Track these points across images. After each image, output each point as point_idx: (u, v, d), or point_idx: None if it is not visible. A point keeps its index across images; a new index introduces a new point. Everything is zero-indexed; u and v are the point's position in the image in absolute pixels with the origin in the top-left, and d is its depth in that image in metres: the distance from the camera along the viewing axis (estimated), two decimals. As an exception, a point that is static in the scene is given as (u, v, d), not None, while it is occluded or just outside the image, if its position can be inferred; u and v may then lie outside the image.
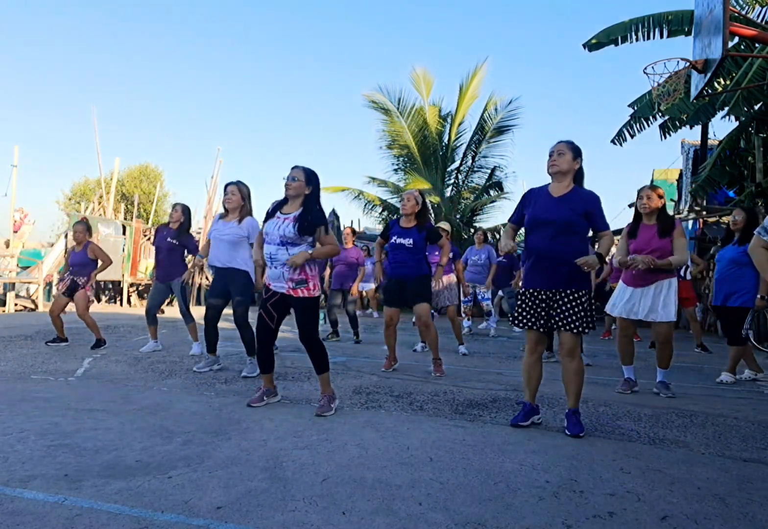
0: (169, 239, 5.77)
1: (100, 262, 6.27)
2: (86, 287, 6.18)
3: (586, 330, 3.20)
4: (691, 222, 12.42)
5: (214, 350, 4.96)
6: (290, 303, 3.54)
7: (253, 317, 4.77)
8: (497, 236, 13.84)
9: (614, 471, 2.62)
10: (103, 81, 50.28)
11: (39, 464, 2.47)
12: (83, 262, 6.21)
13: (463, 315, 8.90)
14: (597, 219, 3.24)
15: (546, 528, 2.02)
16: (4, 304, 11.29)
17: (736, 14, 6.43)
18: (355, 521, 2.02)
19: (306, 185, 3.50)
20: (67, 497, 2.14)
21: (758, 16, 7.95)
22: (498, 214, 26.64)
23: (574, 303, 3.18)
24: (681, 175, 14.49)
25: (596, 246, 3.68)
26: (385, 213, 15.90)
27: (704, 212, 11.12)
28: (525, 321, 3.29)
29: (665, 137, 10.23)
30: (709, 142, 11.50)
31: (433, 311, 7.10)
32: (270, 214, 3.59)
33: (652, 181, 16.18)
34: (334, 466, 2.56)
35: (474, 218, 15.56)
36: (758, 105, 8.62)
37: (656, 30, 8.92)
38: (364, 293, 12.13)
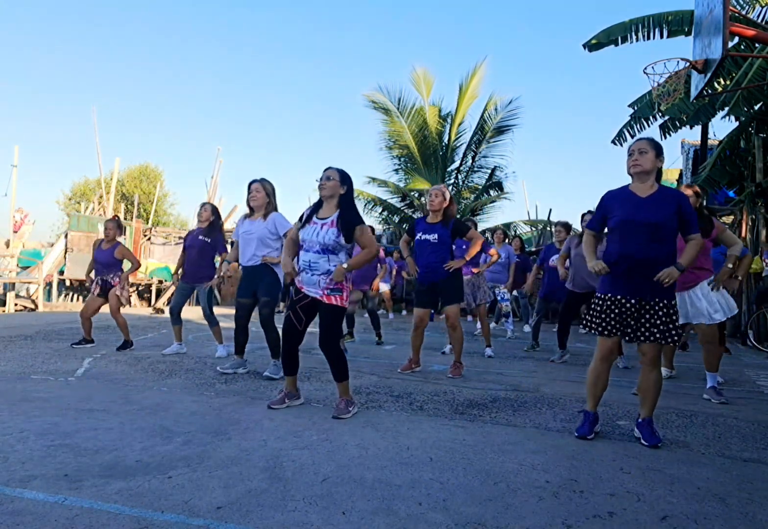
0: (201, 237, 5.64)
1: (126, 264, 6.19)
2: (120, 287, 6.10)
3: (676, 341, 3.05)
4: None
5: (242, 352, 4.86)
6: (318, 308, 3.48)
7: (254, 317, 4.78)
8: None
9: (614, 471, 2.62)
10: (103, 81, 50.33)
11: (39, 464, 2.47)
12: (109, 262, 6.11)
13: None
14: (690, 220, 3.05)
15: (546, 528, 2.02)
16: (4, 304, 11.30)
17: (736, 14, 6.43)
18: (355, 521, 2.02)
19: (341, 185, 3.45)
20: (67, 497, 2.14)
21: (758, 16, 7.95)
22: (498, 215, 26.61)
23: (663, 313, 3.02)
24: (681, 175, 14.49)
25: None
26: (385, 213, 15.90)
27: (705, 212, 11.10)
28: (607, 328, 3.09)
29: (665, 137, 10.25)
30: (709, 142, 11.50)
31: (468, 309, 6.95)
32: (306, 220, 3.50)
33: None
34: (334, 466, 2.56)
35: (474, 218, 15.56)
36: (758, 105, 8.62)
37: (656, 30, 8.92)
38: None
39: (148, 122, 54.44)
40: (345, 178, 3.47)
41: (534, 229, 15.46)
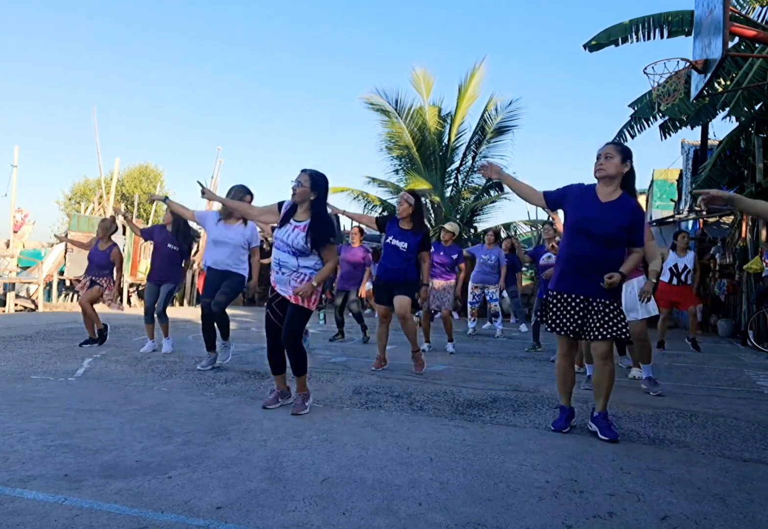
0: (169, 245, 5.83)
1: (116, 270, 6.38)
2: (109, 291, 6.27)
3: (625, 335, 3.13)
4: (691, 222, 12.43)
5: (213, 348, 5.01)
6: (287, 306, 3.55)
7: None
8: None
9: (614, 471, 2.62)
10: (103, 81, 50.34)
11: (39, 464, 2.47)
12: (102, 264, 6.28)
13: (470, 316, 8.92)
14: (637, 234, 3.13)
15: (546, 528, 2.02)
16: (4, 304, 11.29)
17: (736, 14, 6.43)
18: (355, 521, 2.02)
19: (311, 191, 3.47)
20: (67, 497, 2.14)
21: (758, 16, 7.94)
22: (498, 215, 26.62)
23: (608, 310, 3.10)
24: (681, 175, 14.49)
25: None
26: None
27: (704, 212, 11.12)
28: (556, 325, 3.20)
29: (665, 137, 10.23)
30: (709, 142, 11.50)
31: (434, 311, 7.09)
32: (283, 220, 3.58)
33: (652, 181, 16.20)
34: (334, 466, 2.56)
35: (474, 218, 15.55)
36: (758, 105, 8.61)
37: (656, 30, 8.92)
38: (363, 293, 11.94)
39: (148, 122, 54.49)
40: (316, 184, 3.48)
41: (534, 229, 15.46)
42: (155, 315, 5.89)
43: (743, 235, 9.63)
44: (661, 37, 8.93)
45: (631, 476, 2.56)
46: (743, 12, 7.80)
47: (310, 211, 3.51)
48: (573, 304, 3.16)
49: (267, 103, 57.98)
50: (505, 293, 9.48)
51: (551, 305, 3.24)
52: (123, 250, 13.81)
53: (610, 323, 3.10)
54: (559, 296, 3.21)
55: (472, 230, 15.35)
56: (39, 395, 3.75)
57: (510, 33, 61.51)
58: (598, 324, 3.12)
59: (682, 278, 7.27)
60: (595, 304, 3.13)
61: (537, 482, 2.45)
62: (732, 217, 10.34)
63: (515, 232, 15.28)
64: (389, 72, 55.75)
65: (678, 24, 8.75)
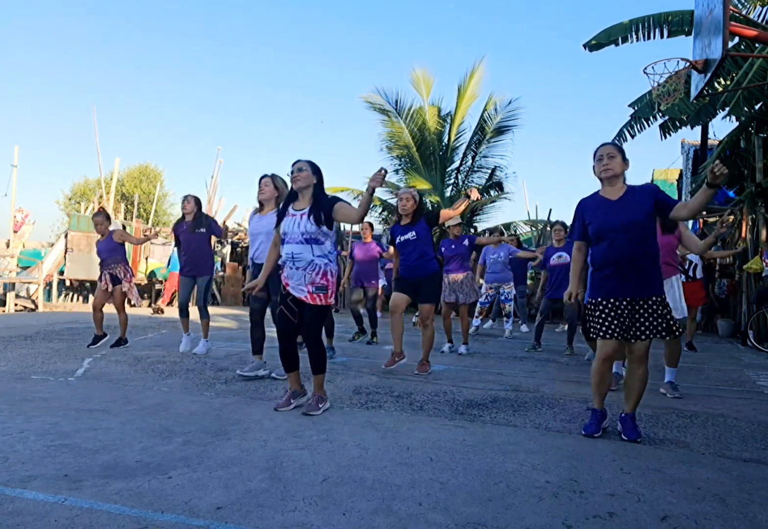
0: (196, 231, 5.75)
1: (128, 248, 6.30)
2: (128, 280, 6.19)
3: (678, 332, 3.13)
4: (691, 222, 12.43)
5: (260, 352, 4.71)
6: (304, 305, 3.53)
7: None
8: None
9: (614, 471, 2.62)
10: (103, 81, 50.33)
11: (39, 464, 2.47)
12: (111, 248, 6.16)
13: (477, 315, 8.91)
14: (667, 200, 3.13)
15: (546, 528, 2.02)
16: (4, 304, 11.29)
17: (736, 14, 6.42)
18: (355, 521, 2.02)
19: (313, 174, 3.52)
20: (67, 497, 2.14)
21: (758, 16, 7.94)
22: (498, 214, 26.60)
23: (656, 307, 3.09)
24: (681, 175, 14.50)
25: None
26: (385, 213, 15.89)
27: (704, 212, 11.12)
28: (607, 331, 3.13)
29: (665, 137, 10.22)
30: (710, 142, 11.49)
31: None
32: (283, 212, 3.58)
33: (652, 181, 16.19)
34: (334, 466, 2.56)
35: (474, 218, 15.55)
36: (758, 105, 8.61)
37: (656, 30, 8.91)
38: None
39: (148, 122, 54.50)
40: (316, 168, 3.56)
41: (534, 229, 15.47)
42: (196, 310, 5.82)
43: (743, 235, 9.62)
44: (661, 37, 8.93)
45: (631, 476, 2.56)
46: (743, 12, 7.79)
47: (312, 196, 3.52)
48: (620, 308, 3.12)
49: (267, 103, 57.99)
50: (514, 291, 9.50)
51: (594, 313, 3.19)
52: (123, 250, 13.85)
53: (658, 322, 3.08)
54: (605, 302, 3.16)
55: (473, 230, 15.35)
56: (39, 395, 3.75)
57: (510, 33, 61.47)
58: (642, 322, 3.09)
59: (690, 273, 7.30)
60: (643, 302, 3.10)
61: (537, 482, 2.45)
62: (732, 217, 10.33)
63: (515, 232, 15.28)
64: (389, 72, 55.67)
65: (678, 24, 8.74)
